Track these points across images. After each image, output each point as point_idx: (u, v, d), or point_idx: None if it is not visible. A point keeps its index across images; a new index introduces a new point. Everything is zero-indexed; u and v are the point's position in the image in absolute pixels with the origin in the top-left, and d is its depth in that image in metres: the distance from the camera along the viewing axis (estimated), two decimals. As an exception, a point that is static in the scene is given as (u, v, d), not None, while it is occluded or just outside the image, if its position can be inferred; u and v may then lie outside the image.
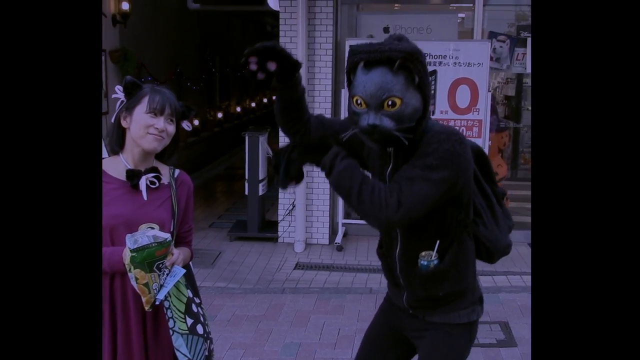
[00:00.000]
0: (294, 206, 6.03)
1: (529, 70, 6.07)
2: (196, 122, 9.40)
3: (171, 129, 2.08)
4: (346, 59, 1.87)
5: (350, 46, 1.87)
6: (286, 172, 1.83)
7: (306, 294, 4.83)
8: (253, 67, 1.80)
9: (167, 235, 1.97)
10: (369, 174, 1.98)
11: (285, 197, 6.13)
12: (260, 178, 6.15)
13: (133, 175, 2.06)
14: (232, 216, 7.10)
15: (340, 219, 6.07)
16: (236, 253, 5.87)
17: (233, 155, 11.52)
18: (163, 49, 8.53)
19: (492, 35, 6.01)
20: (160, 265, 1.96)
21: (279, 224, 6.18)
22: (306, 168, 1.93)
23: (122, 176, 2.06)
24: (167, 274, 2.01)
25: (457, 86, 5.60)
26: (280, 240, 6.17)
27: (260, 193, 6.18)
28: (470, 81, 5.58)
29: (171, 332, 2.04)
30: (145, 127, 2.03)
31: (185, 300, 2.09)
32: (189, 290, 2.12)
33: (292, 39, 5.85)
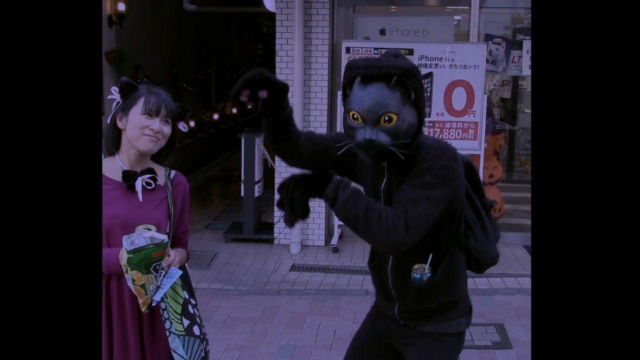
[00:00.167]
0: (289, 208, 6.02)
1: (524, 72, 6.09)
2: (192, 124, 9.39)
3: (167, 130, 2.08)
4: (342, 74, 1.88)
5: (348, 61, 1.89)
6: (291, 210, 1.81)
7: (302, 296, 4.83)
8: (244, 98, 1.87)
9: (164, 237, 1.97)
10: (361, 188, 1.98)
11: (281, 198, 6.12)
12: (256, 180, 6.14)
13: (129, 177, 2.06)
14: (228, 218, 7.10)
15: (336, 221, 6.07)
16: (232, 254, 5.86)
17: (229, 157, 11.51)
18: (159, 50, 8.52)
19: (488, 38, 6.03)
20: (157, 267, 1.96)
21: (275, 226, 6.17)
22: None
23: (118, 177, 2.06)
24: (164, 276, 2.00)
25: (453, 88, 5.61)
26: (276, 241, 6.16)
27: (256, 195, 6.18)
28: (466, 83, 5.59)
29: (168, 333, 2.04)
30: (141, 128, 2.03)
31: (181, 301, 2.09)
32: (185, 292, 2.12)
33: (289, 40, 5.85)
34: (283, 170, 5.66)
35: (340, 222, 5.97)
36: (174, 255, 2.05)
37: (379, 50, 5.54)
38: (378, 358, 2.21)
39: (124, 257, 1.91)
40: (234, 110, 12.92)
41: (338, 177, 1.81)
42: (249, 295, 4.85)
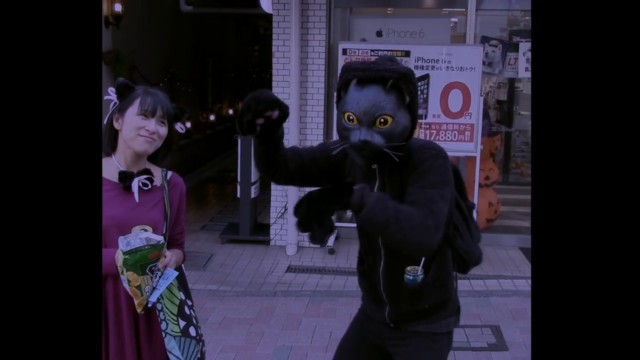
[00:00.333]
0: (286, 209, 6.02)
1: (520, 74, 6.10)
2: (188, 125, 9.39)
3: (163, 131, 2.08)
4: (338, 76, 1.89)
5: (344, 64, 1.90)
6: (321, 225, 1.74)
7: (298, 297, 4.83)
8: (260, 121, 1.82)
9: (160, 238, 1.96)
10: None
11: (277, 199, 6.12)
12: (253, 181, 6.14)
13: (125, 177, 2.05)
14: (224, 219, 7.09)
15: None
16: (228, 256, 5.85)
17: (225, 158, 11.51)
18: (155, 51, 8.51)
19: (485, 40, 6.04)
20: (153, 268, 1.95)
21: (271, 227, 6.17)
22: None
23: (115, 178, 2.05)
24: (160, 277, 2.00)
25: (450, 90, 5.62)
26: (272, 243, 6.16)
27: (253, 196, 6.17)
28: (463, 85, 5.60)
29: (164, 334, 2.04)
30: (136, 128, 2.03)
31: (177, 302, 2.09)
32: (181, 293, 2.12)
33: (285, 42, 5.85)
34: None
35: (337, 224, 6.00)
36: (170, 256, 2.04)
37: (376, 51, 5.54)
38: (367, 356, 2.21)
39: (119, 258, 1.90)
40: (230, 112, 12.92)
41: (358, 185, 1.79)
42: (245, 297, 4.85)
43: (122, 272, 1.91)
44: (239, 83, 13.67)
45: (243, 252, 5.95)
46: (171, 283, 2.06)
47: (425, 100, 5.61)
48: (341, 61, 5.56)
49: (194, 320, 2.13)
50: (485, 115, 6.20)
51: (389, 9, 6.66)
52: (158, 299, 2.02)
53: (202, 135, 10.86)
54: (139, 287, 1.94)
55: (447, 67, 5.61)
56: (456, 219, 2.06)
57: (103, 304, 2.03)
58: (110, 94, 2.09)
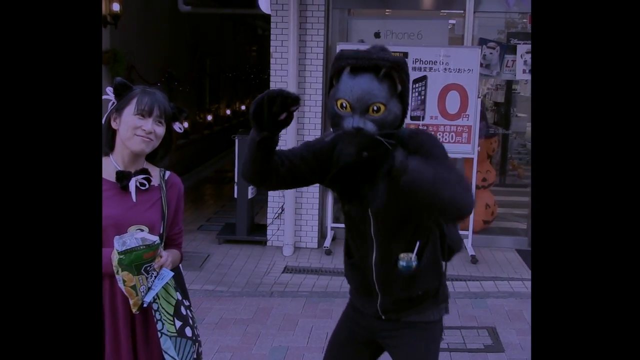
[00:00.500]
0: (283, 209, 6.02)
1: (518, 77, 6.11)
2: (185, 125, 9.39)
3: (160, 130, 2.08)
4: (331, 64, 1.89)
5: (339, 51, 1.91)
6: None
7: (294, 298, 4.83)
8: (283, 116, 1.75)
9: (156, 238, 1.96)
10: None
11: (274, 200, 6.12)
12: (250, 181, 6.13)
13: (123, 177, 2.05)
14: (221, 219, 7.09)
15: (329, 223, 6.08)
16: (224, 256, 5.85)
17: (222, 158, 11.50)
18: (153, 51, 8.51)
19: (482, 42, 6.05)
20: (148, 268, 1.95)
21: (268, 227, 6.17)
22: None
23: (112, 177, 2.05)
24: (155, 277, 2.00)
25: (447, 92, 5.63)
26: (269, 243, 6.16)
27: (250, 196, 6.17)
28: (460, 87, 5.61)
29: (159, 334, 2.03)
30: (133, 128, 2.03)
31: (174, 302, 2.08)
32: (178, 293, 2.12)
33: (283, 42, 5.85)
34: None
35: (334, 224, 6.01)
36: (166, 256, 2.04)
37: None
38: (357, 355, 2.22)
39: (115, 257, 1.90)
40: (228, 112, 12.92)
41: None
42: (241, 297, 4.85)
43: (118, 271, 1.91)
44: (237, 83, 13.67)
45: (240, 253, 5.94)
46: (168, 283, 2.06)
47: (423, 102, 5.62)
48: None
49: (191, 321, 2.13)
50: (483, 117, 6.21)
51: (387, 10, 6.67)
52: (154, 299, 2.02)
53: (200, 135, 10.85)
54: (134, 287, 1.94)
55: (445, 69, 5.61)
56: None
57: (100, 304, 2.03)
58: (108, 94, 2.09)
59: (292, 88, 5.72)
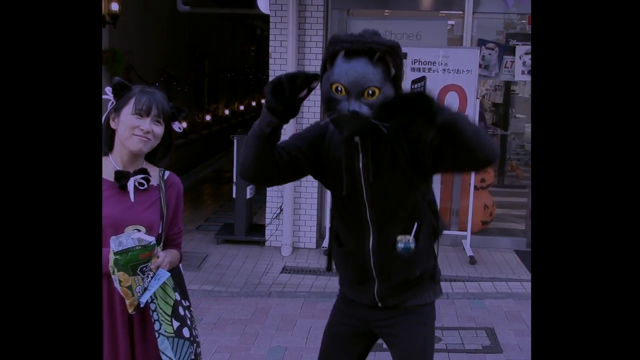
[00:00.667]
0: (281, 210, 6.02)
1: (517, 77, 6.11)
2: (184, 124, 9.38)
3: (158, 130, 2.07)
4: (325, 48, 1.89)
5: (333, 35, 1.91)
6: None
7: (293, 298, 4.83)
8: (303, 93, 1.75)
9: (152, 239, 1.96)
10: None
11: (272, 200, 6.12)
12: (248, 181, 6.12)
13: (121, 177, 2.05)
14: (219, 219, 7.08)
15: (328, 223, 6.07)
16: (223, 256, 5.85)
17: (221, 158, 11.49)
18: (152, 50, 8.50)
19: (481, 43, 6.05)
20: (144, 269, 1.95)
21: (266, 228, 6.17)
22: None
23: (111, 177, 2.05)
24: (152, 277, 1.99)
25: (446, 93, 5.63)
26: (267, 243, 6.16)
27: (248, 196, 6.17)
28: (459, 88, 5.61)
29: (157, 334, 2.03)
30: (131, 128, 2.03)
31: (172, 303, 2.08)
32: (176, 293, 2.11)
33: (282, 42, 5.85)
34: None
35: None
36: (163, 257, 2.04)
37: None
38: (352, 348, 2.22)
39: (111, 258, 1.90)
40: (227, 112, 12.92)
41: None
42: (239, 297, 4.85)
43: (114, 272, 1.91)
44: (236, 84, 13.67)
45: (238, 253, 5.94)
46: (166, 283, 2.06)
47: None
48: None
49: (189, 322, 2.12)
50: (481, 118, 6.21)
51: (386, 10, 6.67)
52: (151, 299, 2.01)
53: (198, 135, 10.84)
54: (130, 288, 1.93)
55: (444, 70, 5.61)
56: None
57: (98, 304, 2.03)
58: (107, 94, 2.08)
59: (290, 88, 5.71)
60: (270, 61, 5.96)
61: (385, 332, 2.16)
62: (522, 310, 4.57)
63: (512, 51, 6.00)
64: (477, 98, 5.75)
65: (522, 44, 5.98)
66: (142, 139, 2.03)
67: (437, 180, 6.17)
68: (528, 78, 6.11)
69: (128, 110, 2.03)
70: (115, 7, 6.71)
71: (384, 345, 2.27)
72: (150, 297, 2.01)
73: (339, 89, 1.79)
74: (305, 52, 5.91)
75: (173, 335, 2.04)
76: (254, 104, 15.24)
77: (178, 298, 2.12)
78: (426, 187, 2.04)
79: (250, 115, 14.67)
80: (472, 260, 5.67)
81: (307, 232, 6.13)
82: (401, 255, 1.98)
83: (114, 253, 1.88)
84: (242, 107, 14.29)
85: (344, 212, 2.07)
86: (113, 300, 2.03)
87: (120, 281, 1.92)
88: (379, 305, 2.12)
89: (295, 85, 1.68)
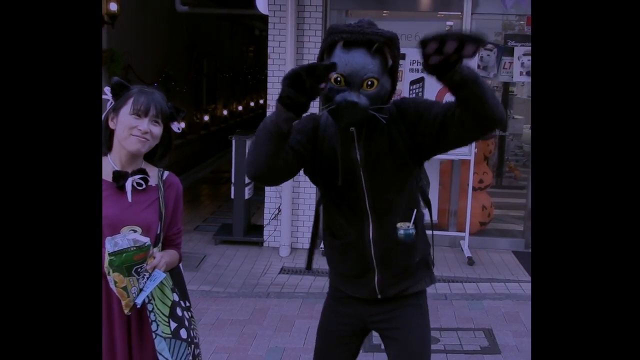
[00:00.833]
0: (279, 210, 6.02)
1: (515, 79, 6.11)
2: (182, 125, 9.36)
3: (156, 130, 2.07)
4: (322, 39, 1.89)
5: (331, 25, 1.91)
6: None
7: (291, 299, 4.82)
8: (323, 85, 1.70)
9: (147, 240, 1.95)
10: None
11: (271, 201, 6.12)
12: (247, 182, 6.13)
13: (119, 177, 2.05)
14: (218, 219, 7.08)
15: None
16: (221, 256, 5.84)
17: (219, 158, 11.49)
18: (150, 50, 8.50)
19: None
20: (139, 269, 1.94)
21: (265, 228, 6.16)
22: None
23: (110, 177, 2.05)
24: (147, 278, 1.99)
25: (445, 94, 5.61)
26: (265, 244, 6.15)
27: (246, 197, 6.17)
28: (458, 89, 5.60)
29: (154, 335, 2.03)
30: (129, 128, 2.02)
31: (169, 303, 2.08)
32: (174, 294, 2.11)
33: (281, 43, 5.85)
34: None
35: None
36: (159, 257, 2.03)
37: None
38: (346, 347, 2.23)
39: (105, 259, 1.89)
40: (225, 112, 12.91)
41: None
42: (237, 298, 4.84)
43: (109, 273, 1.90)
44: (234, 84, 13.66)
45: (236, 253, 5.94)
46: (164, 284, 2.05)
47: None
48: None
49: (187, 323, 2.11)
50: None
51: (384, 11, 6.67)
52: (148, 300, 2.01)
53: (197, 135, 10.84)
54: (125, 289, 1.93)
55: (442, 71, 5.60)
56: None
57: (96, 304, 2.02)
58: (106, 94, 2.08)
59: (289, 89, 5.71)
60: (269, 62, 5.96)
61: (382, 327, 2.16)
62: (520, 311, 4.57)
63: (510, 52, 6.00)
64: (476, 99, 5.73)
65: (521, 45, 5.98)
66: (140, 140, 2.03)
67: (435, 181, 6.17)
68: (526, 79, 6.11)
69: (126, 110, 2.03)
70: (113, 7, 6.71)
71: (382, 347, 2.27)
72: (148, 297, 2.00)
73: (339, 79, 1.79)
74: (304, 52, 5.91)
75: (170, 336, 2.03)
76: (252, 104, 15.24)
77: (176, 299, 2.11)
78: (418, 173, 2.06)
79: (249, 115, 14.68)
80: (470, 261, 5.67)
81: (305, 232, 6.12)
82: (404, 242, 2.00)
83: (109, 254, 1.87)
84: (240, 108, 14.28)
85: (342, 204, 2.05)
86: (111, 300, 2.02)
87: (115, 282, 1.91)
88: (379, 297, 2.11)
89: (315, 76, 1.62)
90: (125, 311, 1.97)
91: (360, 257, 2.07)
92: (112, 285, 1.92)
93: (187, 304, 2.17)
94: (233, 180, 6.17)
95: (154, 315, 2.03)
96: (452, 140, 1.88)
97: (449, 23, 6.50)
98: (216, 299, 4.79)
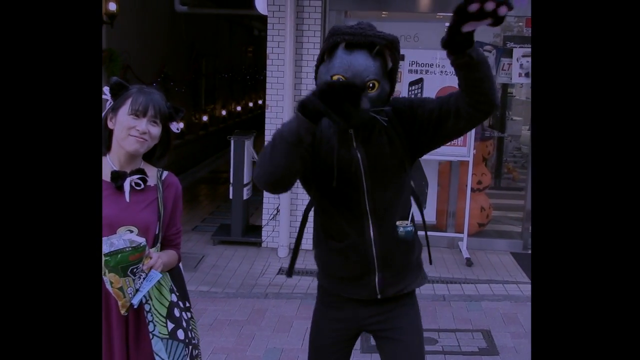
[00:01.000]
0: (278, 211, 6.02)
1: (514, 80, 6.12)
2: (181, 125, 9.36)
3: (155, 131, 2.07)
4: (324, 40, 1.90)
5: (333, 26, 1.91)
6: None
7: (289, 299, 4.82)
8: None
9: (142, 240, 1.94)
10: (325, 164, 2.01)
11: (269, 201, 6.12)
12: (245, 182, 6.13)
13: (118, 177, 2.05)
14: (216, 220, 7.07)
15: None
16: (219, 257, 5.84)
17: (218, 159, 11.49)
18: (149, 50, 8.49)
19: (479, 45, 6.03)
20: (135, 270, 1.93)
21: (263, 229, 6.16)
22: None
23: (108, 177, 2.04)
24: (144, 278, 1.98)
25: (443, 94, 5.62)
26: (263, 244, 6.15)
27: (245, 197, 6.17)
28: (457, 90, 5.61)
29: (151, 335, 2.02)
30: (127, 128, 2.02)
31: (167, 304, 2.07)
32: (173, 295, 2.11)
33: (280, 43, 5.85)
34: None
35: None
36: (156, 258, 2.02)
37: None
38: (342, 353, 2.24)
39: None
40: (224, 113, 12.91)
41: None
42: (236, 298, 4.84)
43: (104, 273, 1.90)
44: (233, 84, 13.67)
45: (234, 254, 5.93)
46: (161, 284, 2.05)
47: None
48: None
49: (184, 323, 2.11)
50: (479, 120, 6.21)
51: (383, 12, 6.67)
52: (146, 300, 2.00)
53: (195, 135, 10.84)
54: (121, 289, 1.92)
55: (441, 72, 5.62)
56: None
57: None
58: (105, 93, 2.08)
59: (288, 89, 5.72)
60: (268, 62, 5.95)
61: (379, 327, 2.15)
62: (518, 312, 4.58)
63: (509, 54, 6.01)
64: (475, 100, 5.74)
65: (520, 47, 5.99)
66: (138, 140, 2.03)
67: (434, 182, 6.18)
68: (525, 81, 6.12)
69: (125, 110, 2.03)
70: (112, 6, 6.71)
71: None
72: (145, 298, 2.00)
73: (341, 80, 1.79)
74: (303, 53, 5.91)
75: (167, 336, 2.03)
76: (251, 104, 15.25)
77: (174, 299, 2.11)
78: (410, 170, 2.09)
79: (248, 116, 14.68)
80: (469, 262, 5.67)
81: (304, 233, 6.10)
82: (404, 240, 2.02)
83: (105, 254, 1.87)
84: (239, 108, 14.29)
85: (341, 206, 2.03)
86: (108, 301, 2.02)
87: (111, 282, 1.91)
88: (378, 297, 2.10)
89: (352, 98, 1.63)
90: (122, 312, 1.96)
91: (361, 258, 2.07)
92: (108, 286, 1.92)
93: (187, 305, 2.17)
94: (231, 181, 6.17)
95: (151, 315, 2.03)
96: (449, 133, 1.93)
97: (448, 24, 6.49)
98: (214, 300, 4.78)
